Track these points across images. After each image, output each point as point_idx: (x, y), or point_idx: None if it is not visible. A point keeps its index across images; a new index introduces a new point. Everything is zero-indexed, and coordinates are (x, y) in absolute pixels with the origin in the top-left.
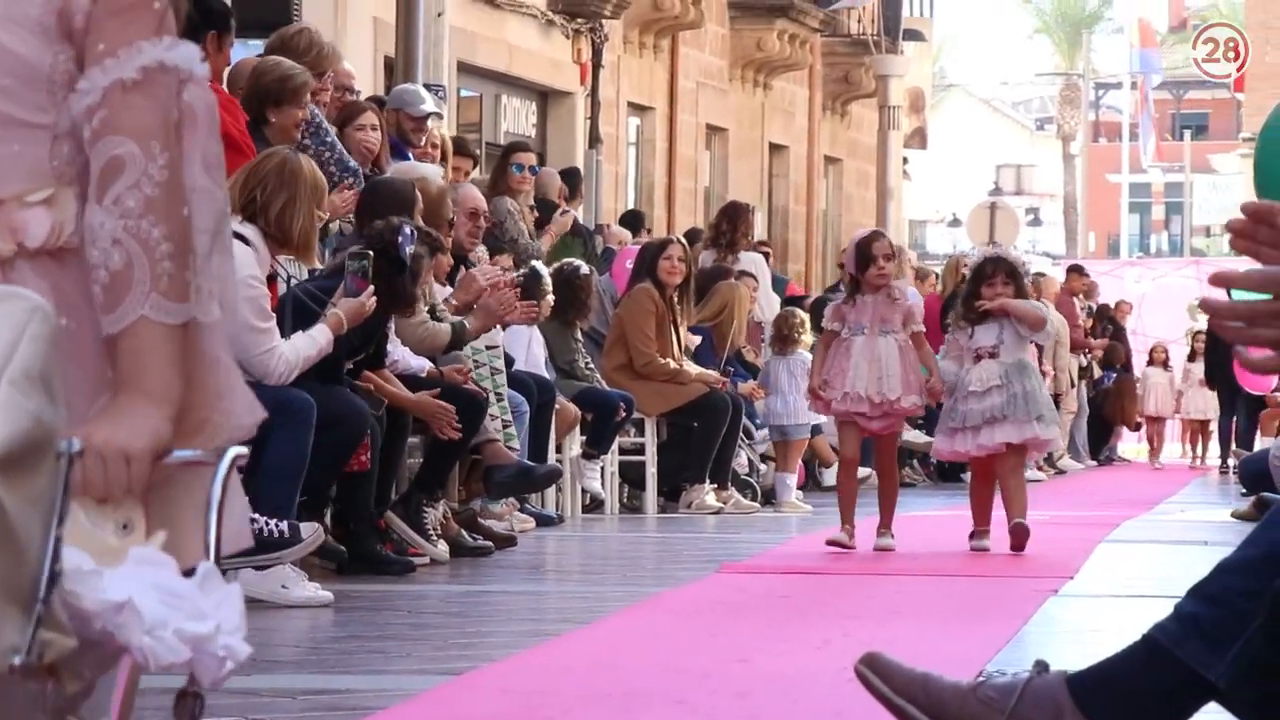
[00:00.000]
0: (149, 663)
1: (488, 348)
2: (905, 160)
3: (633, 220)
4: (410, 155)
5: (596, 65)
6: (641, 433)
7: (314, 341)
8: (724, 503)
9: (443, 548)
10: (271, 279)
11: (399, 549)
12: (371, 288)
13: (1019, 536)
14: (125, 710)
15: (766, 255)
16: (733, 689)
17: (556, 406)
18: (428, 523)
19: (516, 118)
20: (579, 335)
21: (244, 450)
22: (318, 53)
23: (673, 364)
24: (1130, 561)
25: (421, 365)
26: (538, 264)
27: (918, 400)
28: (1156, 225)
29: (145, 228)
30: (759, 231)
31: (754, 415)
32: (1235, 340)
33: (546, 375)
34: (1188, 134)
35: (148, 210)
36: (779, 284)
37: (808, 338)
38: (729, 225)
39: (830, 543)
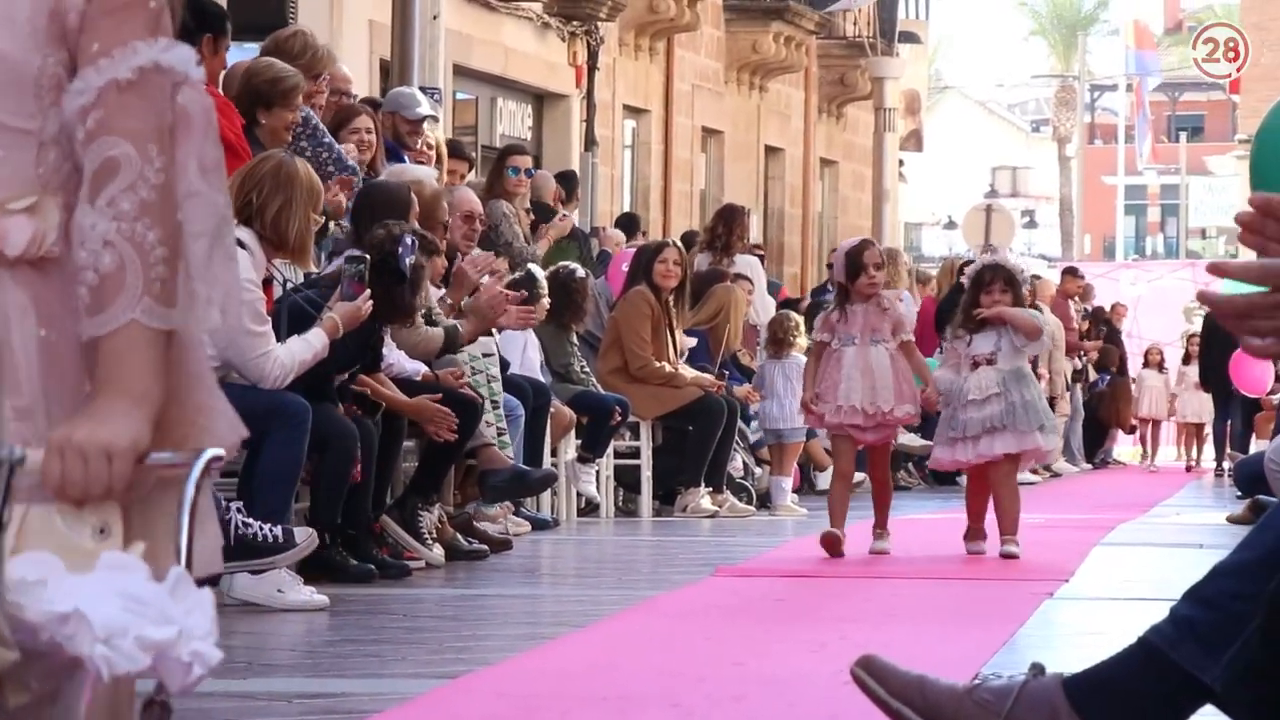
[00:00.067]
0: (104, 672)
1: (484, 355)
2: (901, 163)
3: (628, 223)
4: (405, 158)
5: (592, 68)
6: (637, 436)
7: (309, 345)
8: (719, 506)
9: (438, 551)
10: (267, 282)
11: (394, 553)
12: (368, 291)
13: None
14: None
15: (762, 258)
16: (728, 692)
17: (551, 410)
18: (423, 526)
19: (512, 120)
20: (574, 338)
21: (220, 452)
22: (312, 55)
23: (668, 367)
24: (1126, 564)
25: (417, 369)
26: (533, 267)
27: (911, 409)
28: (1152, 227)
29: (140, 231)
30: (754, 234)
31: (749, 418)
32: (1234, 332)
33: (542, 378)
34: (1183, 136)
35: (143, 213)
36: (771, 289)
37: (803, 341)
38: (724, 228)
39: (823, 537)
